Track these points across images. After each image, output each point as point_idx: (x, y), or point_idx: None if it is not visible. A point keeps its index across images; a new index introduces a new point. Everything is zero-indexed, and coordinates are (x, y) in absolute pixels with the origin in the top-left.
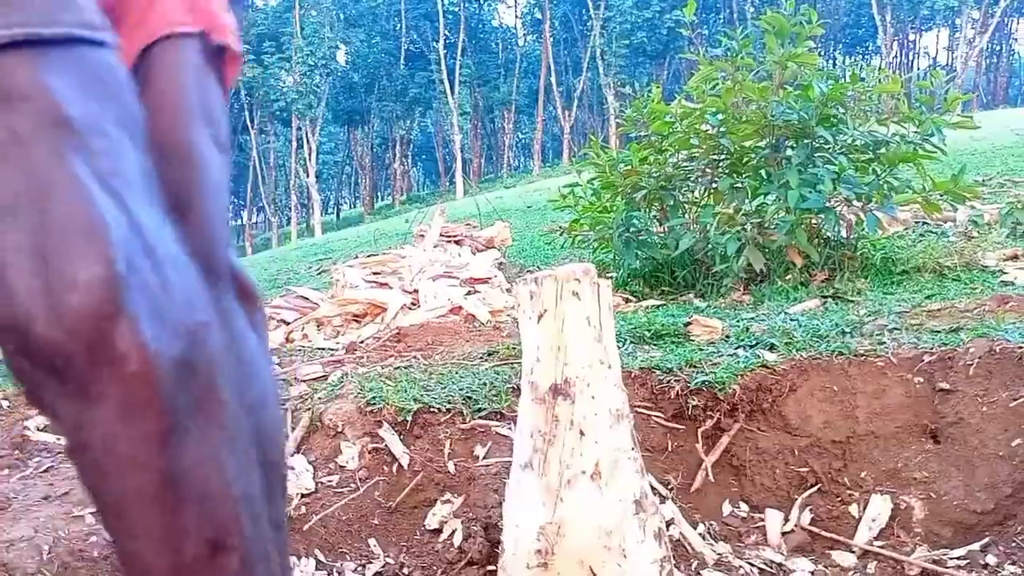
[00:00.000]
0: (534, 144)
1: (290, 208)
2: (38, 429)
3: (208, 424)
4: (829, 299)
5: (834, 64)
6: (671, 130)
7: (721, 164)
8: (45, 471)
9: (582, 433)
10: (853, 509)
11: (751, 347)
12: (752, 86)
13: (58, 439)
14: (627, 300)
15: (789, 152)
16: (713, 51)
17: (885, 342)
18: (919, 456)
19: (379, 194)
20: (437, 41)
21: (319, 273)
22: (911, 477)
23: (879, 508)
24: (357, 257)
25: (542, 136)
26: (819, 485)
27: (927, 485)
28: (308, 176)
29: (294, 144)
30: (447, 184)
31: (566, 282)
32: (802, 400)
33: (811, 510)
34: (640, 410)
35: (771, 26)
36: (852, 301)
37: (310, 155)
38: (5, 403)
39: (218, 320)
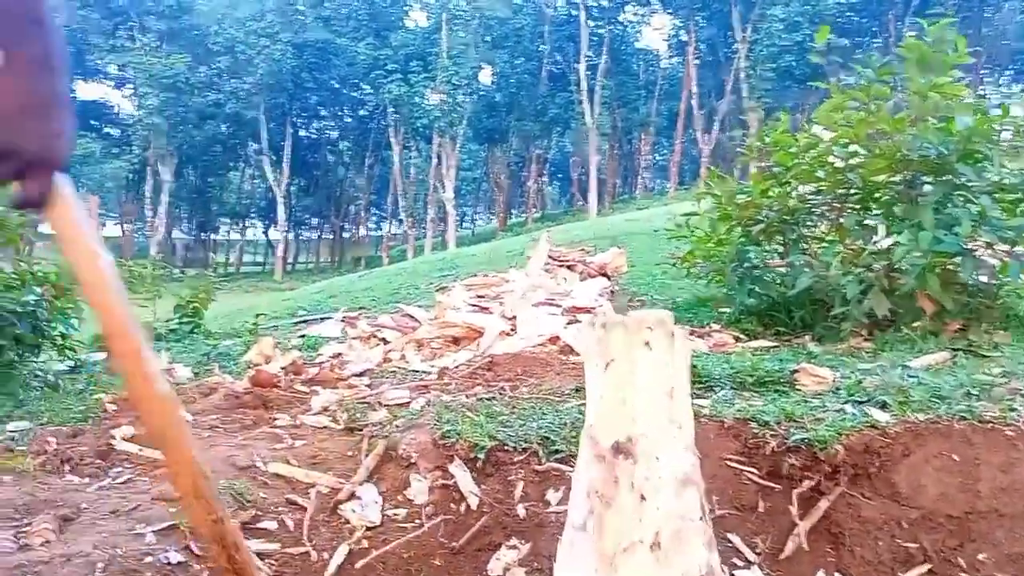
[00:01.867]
0: (671, 166)
1: (427, 222)
2: (123, 439)
3: None
4: (960, 352)
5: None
6: (795, 161)
7: (849, 199)
8: (123, 483)
9: (643, 498)
10: None
11: (861, 403)
12: (886, 117)
13: (141, 450)
14: (736, 339)
15: (925, 189)
16: (846, 79)
17: (1018, 408)
18: None
19: (514, 211)
20: (579, 62)
21: (438, 290)
22: None
23: None
24: (476, 275)
25: (680, 159)
26: (929, 564)
27: None
28: (446, 191)
29: (434, 160)
30: (580, 203)
31: (637, 332)
32: (915, 467)
33: None
34: (731, 464)
35: (911, 54)
36: (986, 356)
37: (448, 171)
38: (112, 407)
39: None
